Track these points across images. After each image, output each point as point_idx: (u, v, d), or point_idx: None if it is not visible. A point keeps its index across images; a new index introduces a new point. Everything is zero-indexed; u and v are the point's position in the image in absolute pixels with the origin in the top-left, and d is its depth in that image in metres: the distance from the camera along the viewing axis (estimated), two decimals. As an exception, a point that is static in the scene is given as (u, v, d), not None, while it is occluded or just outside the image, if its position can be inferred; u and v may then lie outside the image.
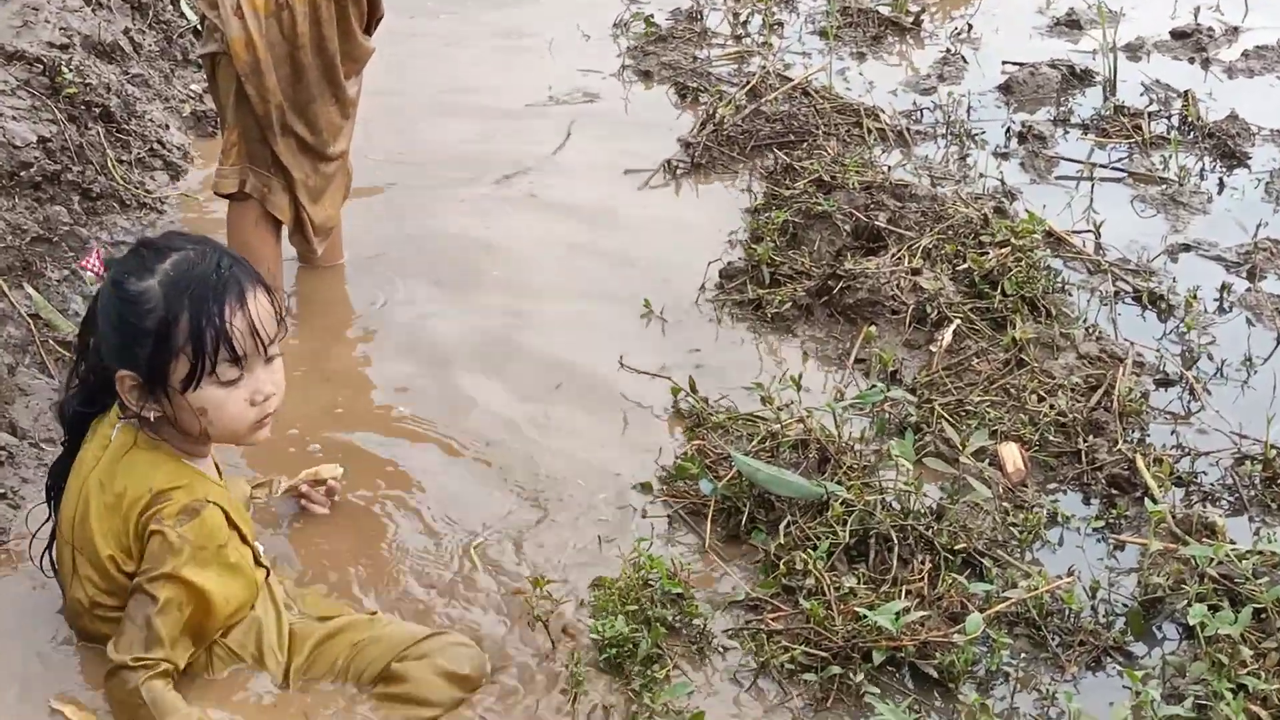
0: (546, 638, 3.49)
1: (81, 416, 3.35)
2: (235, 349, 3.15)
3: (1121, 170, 5.87)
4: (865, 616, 3.45)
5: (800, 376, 4.29)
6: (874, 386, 4.33)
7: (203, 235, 3.36)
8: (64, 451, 3.40)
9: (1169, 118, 6.19)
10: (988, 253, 4.95)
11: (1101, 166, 5.89)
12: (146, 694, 3.12)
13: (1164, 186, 5.71)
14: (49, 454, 3.93)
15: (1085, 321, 4.81)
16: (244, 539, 3.30)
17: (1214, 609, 3.44)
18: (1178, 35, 7.02)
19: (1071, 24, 7.22)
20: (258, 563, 3.34)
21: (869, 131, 6.00)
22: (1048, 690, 3.42)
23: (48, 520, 3.41)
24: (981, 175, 5.77)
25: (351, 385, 4.51)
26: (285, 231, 4.74)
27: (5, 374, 4.09)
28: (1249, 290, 4.99)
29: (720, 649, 3.55)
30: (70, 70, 5.17)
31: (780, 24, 7.20)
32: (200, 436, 3.26)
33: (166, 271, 3.13)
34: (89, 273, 3.27)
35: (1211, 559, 3.59)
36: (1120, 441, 4.19)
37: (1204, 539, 3.75)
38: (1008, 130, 6.17)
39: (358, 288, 4.99)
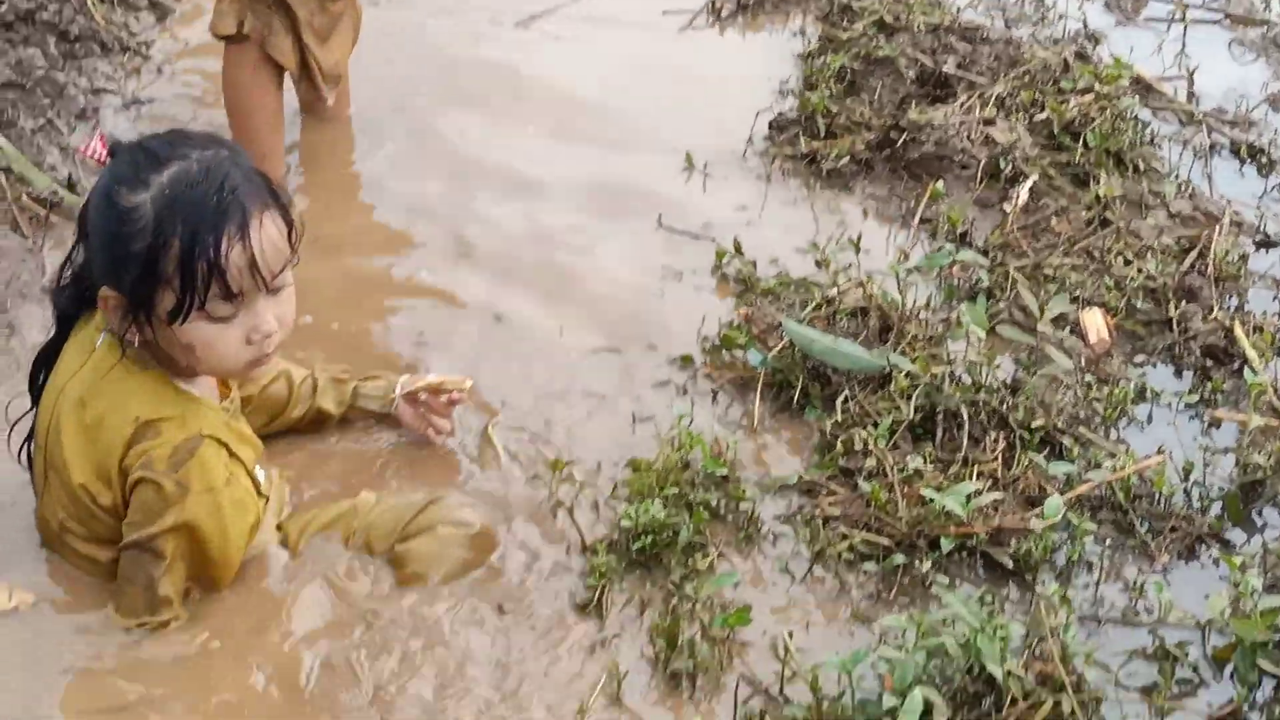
0: (572, 526, 3.42)
1: (72, 310, 3.23)
2: (229, 285, 2.95)
3: (1218, 10, 5.80)
4: (932, 500, 3.38)
5: (859, 237, 4.21)
6: (941, 248, 4.26)
7: (213, 136, 3.15)
8: (52, 338, 3.26)
9: (1272, -50, 6.07)
10: (1068, 101, 4.87)
11: (1195, 6, 5.81)
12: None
13: (1265, 29, 5.66)
14: (20, 321, 3.88)
15: (1177, 177, 4.74)
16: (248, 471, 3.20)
17: (1322, 491, 3.39)
18: None
19: None
20: (259, 493, 3.24)
21: (935, -33, 5.90)
22: (1135, 581, 3.36)
23: (30, 411, 3.33)
24: (1062, 16, 5.70)
25: (363, 250, 4.42)
26: (289, 81, 4.64)
27: (-26, 234, 4.03)
28: (1360, 141, 4.91)
29: (770, 537, 3.48)
30: (46, -104, 5.07)
31: None
32: (187, 369, 3.13)
33: (162, 186, 2.94)
34: (92, 159, 3.11)
35: (1320, 436, 3.53)
36: (1216, 308, 4.12)
37: (1311, 414, 3.68)
38: (1091, -36, 6.06)
39: (368, 141, 4.89)
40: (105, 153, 3.09)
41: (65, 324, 3.21)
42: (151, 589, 3.08)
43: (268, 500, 3.27)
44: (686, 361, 3.97)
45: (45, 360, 3.25)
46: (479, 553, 3.33)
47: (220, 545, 3.11)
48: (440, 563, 3.28)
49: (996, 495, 3.44)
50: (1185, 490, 3.59)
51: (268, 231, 2.99)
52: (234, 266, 2.94)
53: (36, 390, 3.25)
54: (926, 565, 3.33)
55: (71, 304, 3.19)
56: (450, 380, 3.59)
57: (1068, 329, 4.04)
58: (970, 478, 3.49)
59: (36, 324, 3.86)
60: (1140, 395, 3.88)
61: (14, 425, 3.35)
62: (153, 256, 2.92)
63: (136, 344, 3.05)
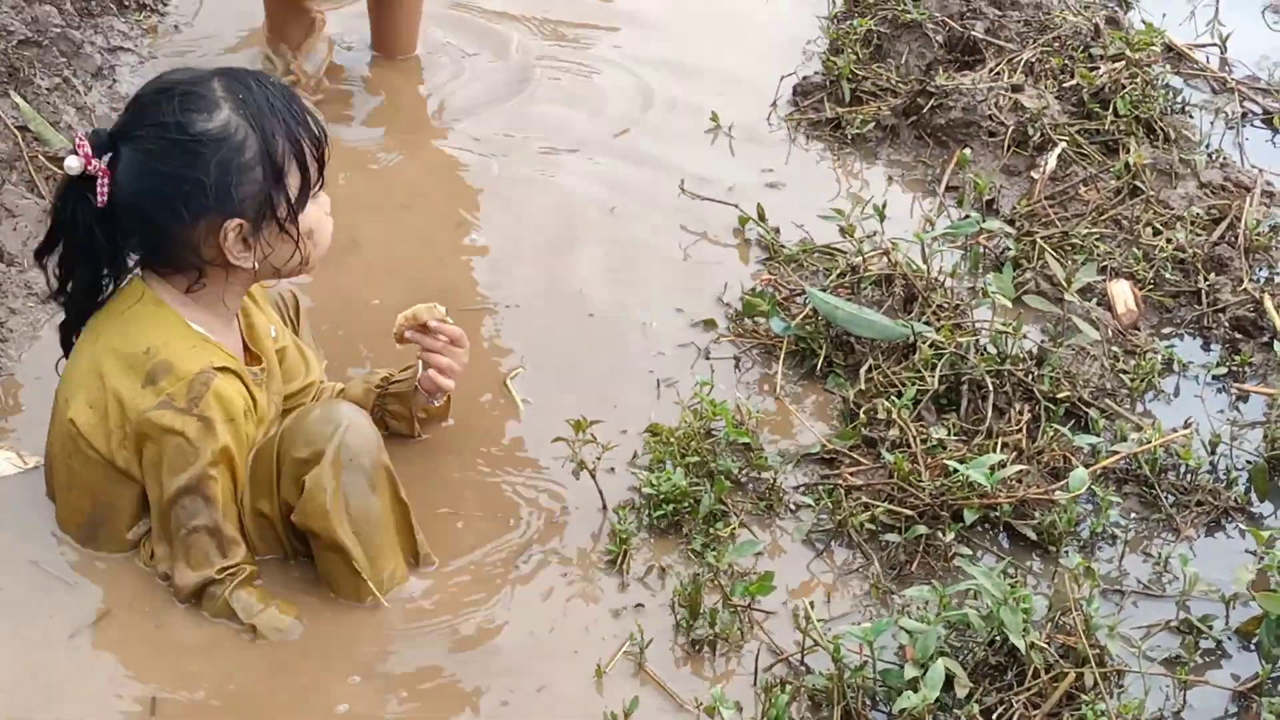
0: (594, 488, 3.46)
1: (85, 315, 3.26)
2: (324, 154, 3.21)
3: (1252, -24, 5.73)
4: (956, 471, 3.41)
5: (884, 204, 4.20)
6: (968, 216, 4.25)
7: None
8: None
9: (1308, -85, 6.04)
10: (1098, 67, 4.87)
11: (1229, -28, 5.76)
12: (237, 604, 3.11)
13: (1301, -5, 5.60)
14: (38, 282, 3.90)
15: (1208, 146, 4.74)
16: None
17: (1352, 466, 3.40)
18: None
19: None
20: None
21: (964, -70, 5.88)
22: (1160, 554, 3.39)
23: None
24: (1092, -20, 5.66)
25: (391, 212, 4.46)
26: None
27: (-10, 192, 4.06)
28: (1396, 111, 4.90)
29: (792, 506, 3.52)
30: None
31: None
32: (265, 276, 3.22)
33: (228, 99, 3.09)
34: (87, 166, 3.09)
35: (1350, 411, 3.54)
36: (1246, 280, 4.12)
37: (1342, 389, 3.70)
38: (1122, -71, 6.03)
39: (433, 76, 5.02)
40: (90, 151, 3.08)
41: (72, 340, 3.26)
42: (217, 531, 3.11)
43: None
44: (710, 326, 4.00)
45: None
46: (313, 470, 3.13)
47: (243, 478, 3.16)
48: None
49: (1021, 467, 3.47)
50: (1212, 464, 3.61)
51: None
52: (320, 133, 3.19)
53: None
54: (949, 537, 3.36)
55: (82, 315, 3.24)
56: (421, 310, 3.45)
57: (1095, 299, 4.05)
58: (994, 449, 3.52)
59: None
60: (1167, 367, 3.90)
61: None
62: (269, 152, 3.09)
63: (255, 267, 3.15)
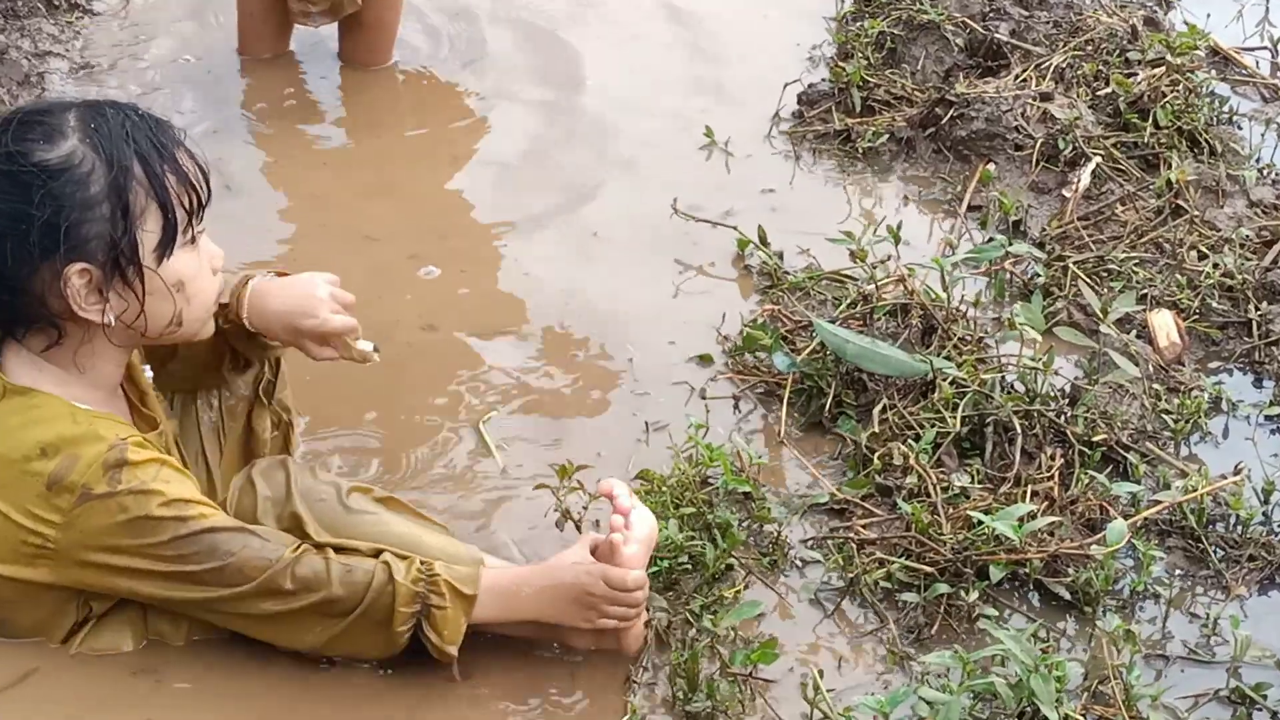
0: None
1: None
2: (198, 193, 3.05)
3: (1306, -28, 5.76)
4: (980, 523, 3.41)
5: (899, 226, 4.23)
6: (992, 239, 4.28)
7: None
8: None
9: (1368, -96, 6.08)
10: (1136, 74, 4.90)
11: (1281, -33, 5.79)
12: (348, 560, 3.06)
13: (1360, -8, 5.64)
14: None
15: (1258, 160, 4.76)
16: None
17: None
18: None
19: None
20: None
21: (987, -78, 5.92)
22: (1209, 615, 3.38)
23: None
24: (1129, -24, 5.69)
25: (356, 240, 4.49)
26: None
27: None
28: None
29: (798, 563, 3.52)
30: None
31: None
32: (152, 335, 3.09)
33: (78, 127, 2.98)
34: None
35: None
36: (1302, 309, 4.14)
37: None
38: (1162, -80, 6.07)
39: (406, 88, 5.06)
40: None
41: None
42: (246, 535, 3.05)
43: None
44: (705, 362, 4.02)
45: None
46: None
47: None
48: None
49: (1053, 518, 3.47)
50: (1265, 514, 3.61)
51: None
52: (191, 172, 3.04)
53: None
54: (973, 596, 3.35)
55: None
56: (357, 350, 3.37)
57: (1134, 331, 4.06)
58: (1023, 498, 3.52)
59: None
60: (1215, 406, 3.91)
61: None
62: (118, 185, 2.96)
63: (111, 321, 3.01)
